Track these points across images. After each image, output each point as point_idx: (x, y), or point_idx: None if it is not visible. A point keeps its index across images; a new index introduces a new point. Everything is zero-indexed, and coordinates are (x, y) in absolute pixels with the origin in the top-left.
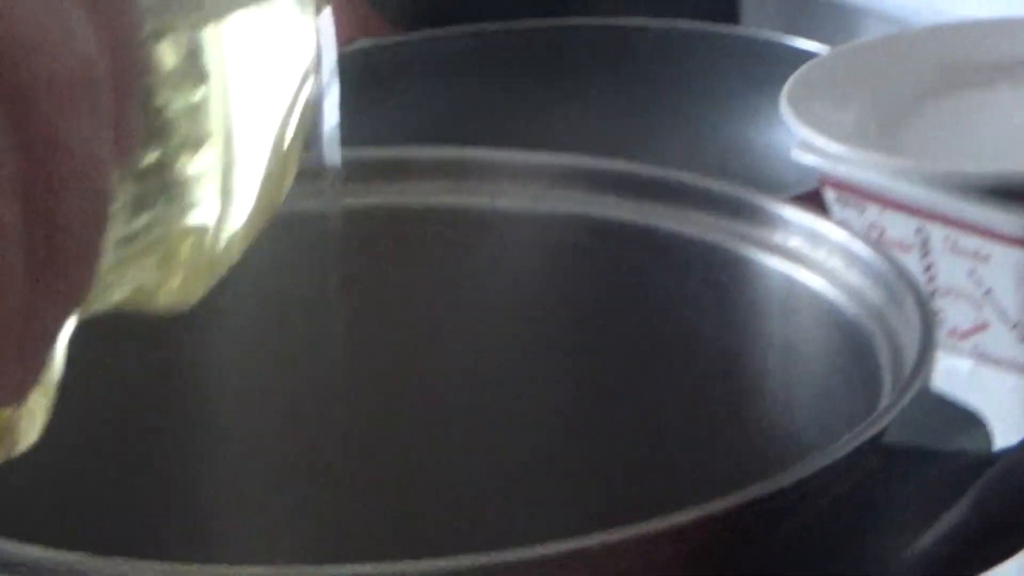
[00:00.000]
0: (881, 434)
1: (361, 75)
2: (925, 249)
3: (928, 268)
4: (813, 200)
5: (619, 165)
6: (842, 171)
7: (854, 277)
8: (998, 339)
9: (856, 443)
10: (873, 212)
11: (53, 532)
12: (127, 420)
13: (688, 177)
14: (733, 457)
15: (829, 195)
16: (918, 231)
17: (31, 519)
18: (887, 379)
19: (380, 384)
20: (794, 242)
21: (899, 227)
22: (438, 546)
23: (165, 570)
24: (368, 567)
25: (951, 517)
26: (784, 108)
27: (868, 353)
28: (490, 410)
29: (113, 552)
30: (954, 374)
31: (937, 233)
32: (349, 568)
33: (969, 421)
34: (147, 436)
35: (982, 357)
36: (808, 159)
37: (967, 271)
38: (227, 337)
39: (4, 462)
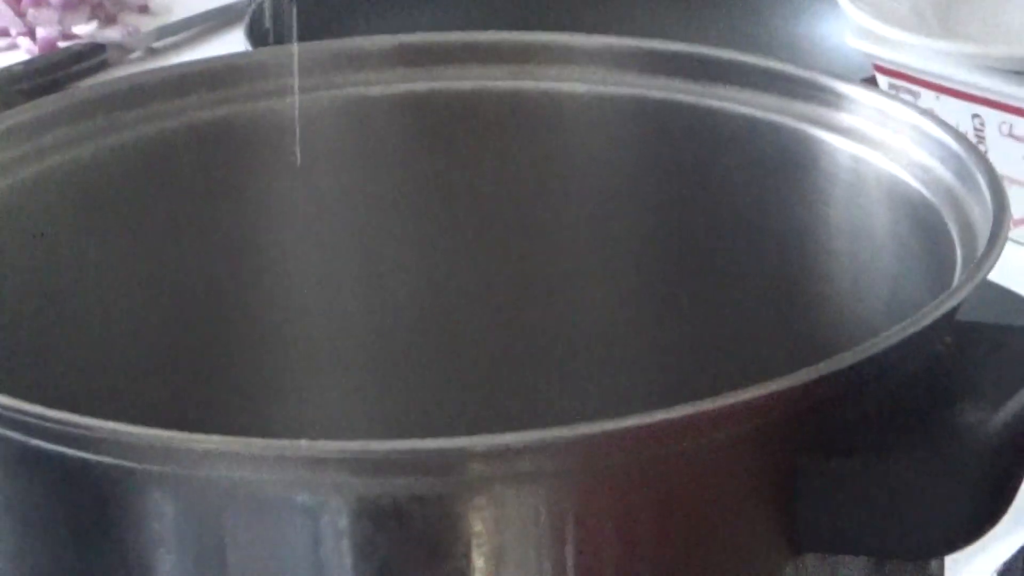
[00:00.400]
0: (955, 310)
1: None
2: (980, 135)
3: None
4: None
5: (682, 46)
6: (897, 56)
7: (924, 157)
8: None
9: (932, 318)
10: (928, 99)
11: (113, 404)
12: (196, 296)
13: (751, 57)
14: (803, 340)
15: (883, 82)
16: (973, 117)
17: (90, 390)
18: (959, 258)
19: (447, 269)
20: (861, 121)
21: (954, 113)
22: (510, 424)
23: (226, 442)
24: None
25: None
26: None
27: (939, 232)
28: (556, 296)
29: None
30: (1008, 263)
31: (992, 119)
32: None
33: (1022, 307)
34: (214, 314)
35: None
36: (862, 45)
37: (1022, 157)
38: (296, 221)
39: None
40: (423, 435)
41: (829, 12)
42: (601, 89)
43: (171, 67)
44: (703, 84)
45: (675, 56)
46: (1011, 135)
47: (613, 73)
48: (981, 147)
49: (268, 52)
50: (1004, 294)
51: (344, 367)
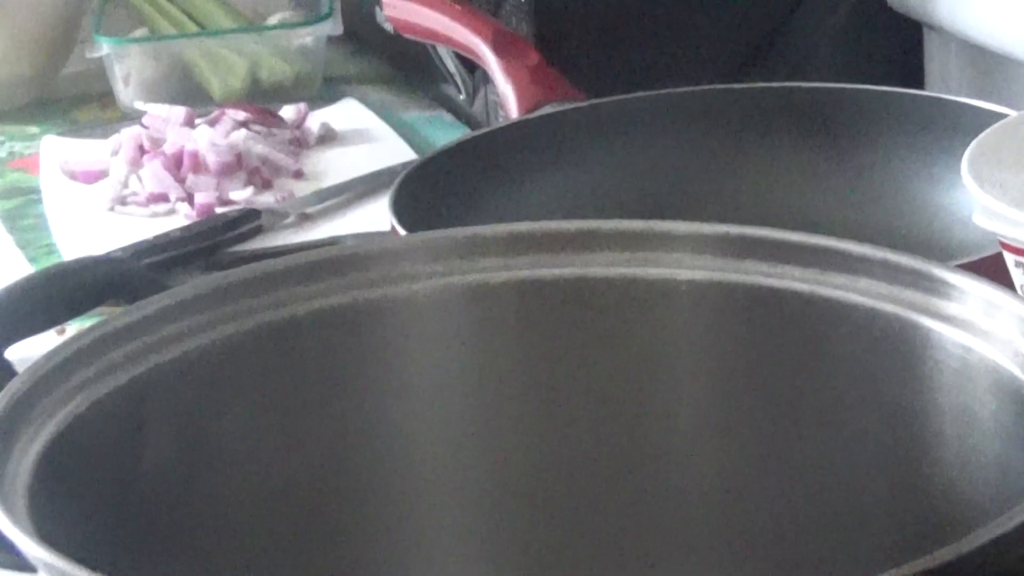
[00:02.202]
0: None
1: (550, 139)
2: None
3: None
4: (995, 263)
5: (789, 235)
6: (1022, 237)
7: None
8: None
9: (1018, 521)
10: None
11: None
12: (322, 474)
13: (859, 246)
14: (913, 522)
15: (1010, 260)
16: None
17: (224, 566)
18: None
19: (560, 447)
20: (969, 311)
21: None
22: None
23: None
24: None
25: None
26: (965, 174)
27: None
28: (664, 477)
29: None
30: None
31: None
32: None
33: None
34: (340, 491)
35: None
36: (988, 225)
37: None
38: (416, 399)
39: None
40: None
41: (963, 183)
42: (711, 275)
43: (297, 255)
44: (813, 271)
45: (785, 244)
46: None
47: (723, 260)
48: None
49: (395, 240)
50: None
51: (464, 542)
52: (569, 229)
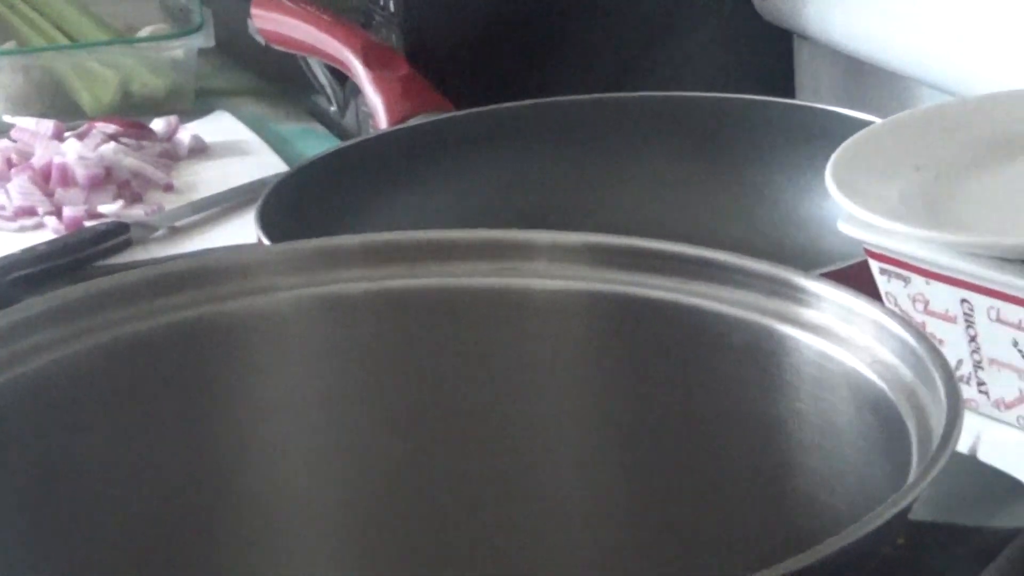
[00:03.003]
0: (906, 511)
1: (418, 150)
2: (969, 320)
3: (973, 339)
4: (864, 271)
5: (653, 244)
6: (886, 244)
7: (886, 354)
8: None
9: (880, 522)
10: (918, 283)
11: None
12: (179, 487)
13: (722, 255)
14: (770, 532)
15: (875, 267)
16: (962, 302)
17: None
18: (914, 457)
19: (425, 457)
20: (827, 319)
21: (943, 298)
22: None
23: None
24: None
25: None
26: (829, 183)
27: (898, 430)
28: (532, 483)
29: None
30: (1000, 444)
31: (981, 304)
32: None
33: (1016, 490)
34: (197, 504)
35: None
36: (853, 232)
37: (1011, 341)
38: (277, 413)
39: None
40: None
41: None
42: (574, 285)
43: (154, 267)
44: (675, 280)
45: (646, 253)
46: (999, 320)
47: (584, 269)
48: (971, 331)
49: (251, 251)
50: (996, 477)
51: (324, 557)
52: (429, 239)
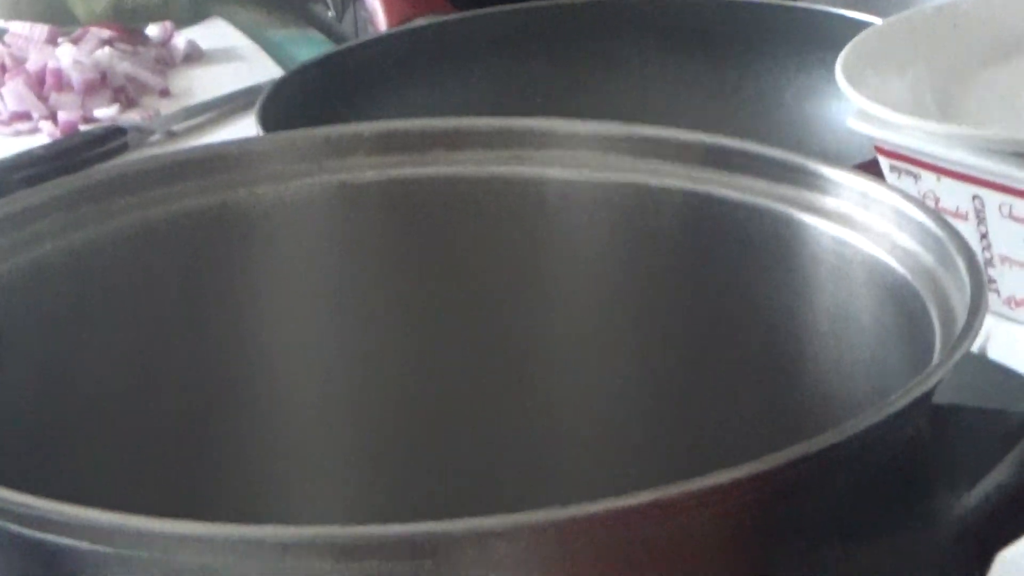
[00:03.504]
0: (930, 393)
1: (418, 52)
2: (980, 216)
3: (984, 236)
4: (869, 171)
5: (668, 131)
6: (897, 140)
7: (906, 240)
8: None
9: (905, 402)
10: (928, 180)
11: (106, 487)
12: (186, 381)
13: (738, 142)
14: (787, 418)
15: (884, 164)
16: (973, 198)
17: (85, 473)
18: (937, 341)
19: (435, 352)
20: (845, 205)
21: (954, 195)
22: (498, 509)
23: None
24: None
25: (995, 476)
26: (839, 78)
27: (919, 315)
28: (543, 378)
29: (161, 509)
30: (1012, 342)
31: (992, 200)
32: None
33: None
34: (204, 398)
35: None
36: (863, 128)
37: (1023, 238)
38: (283, 307)
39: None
40: (409, 519)
41: (837, 92)
42: (587, 174)
43: (162, 155)
44: (689, 168)
45: (660, 141)
46: (1011, 216)
47: (599, 158)
48: (982, 228)
49: (258, 140)
50: (1006, 374)
51: (333, 450)
52: (439, 127)
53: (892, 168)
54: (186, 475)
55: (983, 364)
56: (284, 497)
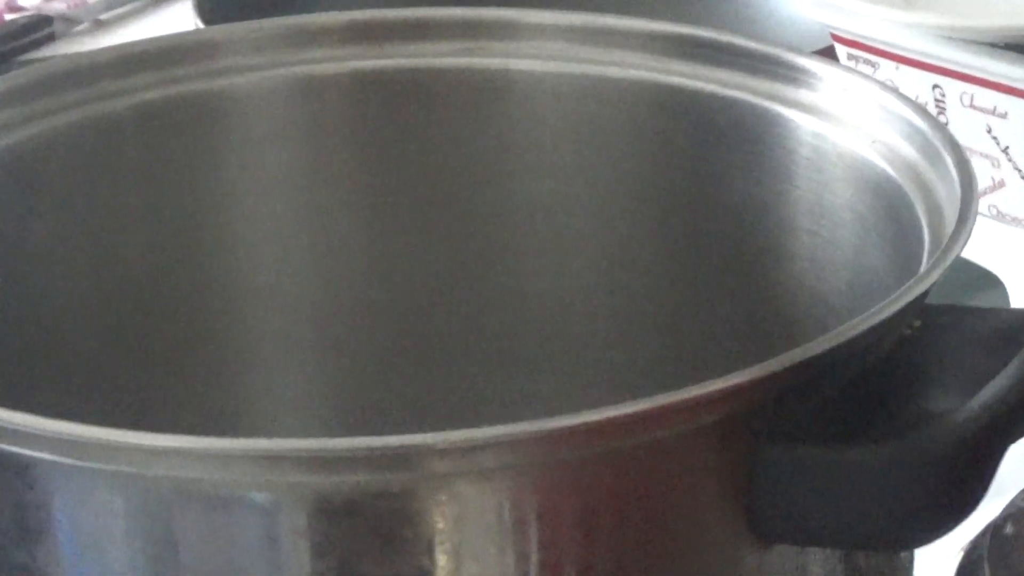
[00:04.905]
0: (926, 294)
1: None
2: (941, 106)
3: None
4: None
5: (637, 22)
6: (855, 27)
7: (888, 133)
8: (1015, 198)
9: (901, 304)
10: (887, 69)
11: (59, 392)
12: (143, 280)
13: (708, 32)
14: (762, 319)
15: (841, 52)
16: (934, 87)
17: (38, 378)
18: (925, 238)
19: (401, 248)
20: (823, 98)
21: (914, 84)
22: (466, 412)
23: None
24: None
25: (1000, 380)
26: None
27: (903, 211)
28: (509, 275)
29: (118, 420)
30: (973, 235)
31: (953, 89)
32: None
33: (986, 281)
34: (162, 297)
35: (999, 216)
36: (820, 15)
37: (984, 128)
38: (244, 201)
39: None
40: (377, 422)
41: None
42: (553, 66)
43: (117, 47)
44: (658, 59)
45: (629, 32)
46: (972, 106)
47: (566, 49)
48: (942, 118)
49: (216, 30)
50: (968, 267)
51: (295, 349)
52: (402, 17)
53: (849, 56)
54: (144, 379)
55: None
56: (247, 397)
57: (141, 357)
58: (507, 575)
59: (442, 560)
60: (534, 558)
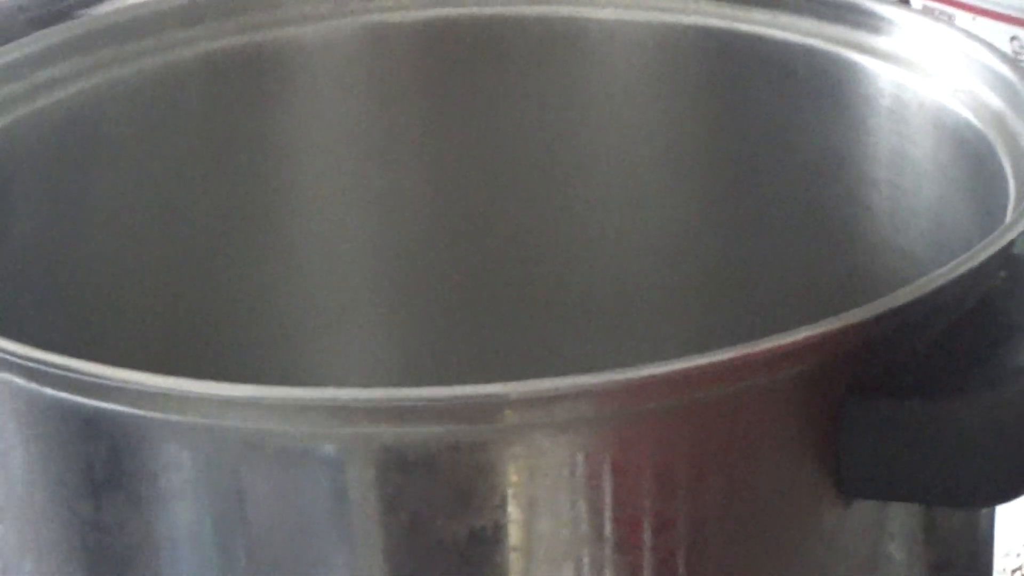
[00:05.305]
0: (1012, 244)
1: None
2: (1019, 56)
3: None
4: None
5: None
6: None
7: (972, 82)
8: None
9: (989, 253)
10: (964, 20)
11: (121, 348)
12: (206, 233)
13: None
14: (839, 272)
15: (916, 4)
16: (1012, 39)
17: (98, 334)
18: (1011, 188)
19: (467, 199)
20: (904, 46)
21: (991, 35)
22: (527, 366)
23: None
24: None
25: None
26: None
27: (987, 161)
28: (579, 227)
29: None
30: None
31: None
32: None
33: None
34: (226, 250)
35: None
36: None
37: None
38: (308, 150)
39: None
40: (438, 376)
41: None
42: (627, 14)
43: None
44: (736, 7)
45: None
46: None
47: None
48: None
49: None
50: None
51: (357, 303)
52: None
53: (925, 8)
54: (208, 337)
55: None
56: (310, 354)
57: (204, 314)
58: (582, 530)
59: (516, 514)
60: (609, 513)
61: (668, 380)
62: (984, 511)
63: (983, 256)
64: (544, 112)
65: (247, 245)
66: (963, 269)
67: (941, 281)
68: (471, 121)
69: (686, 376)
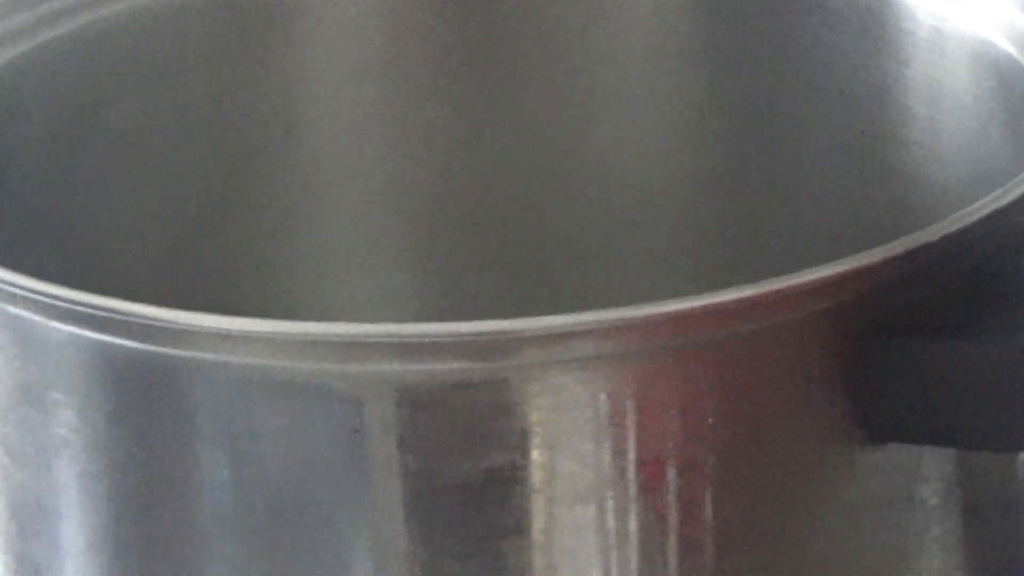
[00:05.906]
0: None
1: None
2: None
3: None
4: None
5: None
6: None
7: (1015, 14)
8: None
9: (1011, 197)
10: None
11: (137, 283)
12: (220, 170)
13: None
14: (875, 208)
15: None
16: None
17: (114, 269)
18: None
19: (480, 137)
20: None
21: None
22: (544, 303)
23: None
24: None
25: None
26: None
27: None
28: (598, 165)
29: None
30: None
31: None
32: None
33: None
34: (241, 188)
35: None
36: None
37: None
38: (323, 88)
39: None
40: (452, 314)
41: None
42: None
43: None
44: None
45: None
46: None
47: None
48: None
49: None
50: None
51: (371, 243)
52: None
53: None
54: (223, 273)
55: None
56: (325, 292)
57: (218, 251)
58: (603, 471)
59: (535, 455)
60: (632, 454)
61: (692, 315)
62: (1021, 455)
63: (1014, 194)
64: (558, 48)
65: (258, 182)
66: (993, 207)
67: (969, 219)
68: (482, 59)
69: (711, 311)
